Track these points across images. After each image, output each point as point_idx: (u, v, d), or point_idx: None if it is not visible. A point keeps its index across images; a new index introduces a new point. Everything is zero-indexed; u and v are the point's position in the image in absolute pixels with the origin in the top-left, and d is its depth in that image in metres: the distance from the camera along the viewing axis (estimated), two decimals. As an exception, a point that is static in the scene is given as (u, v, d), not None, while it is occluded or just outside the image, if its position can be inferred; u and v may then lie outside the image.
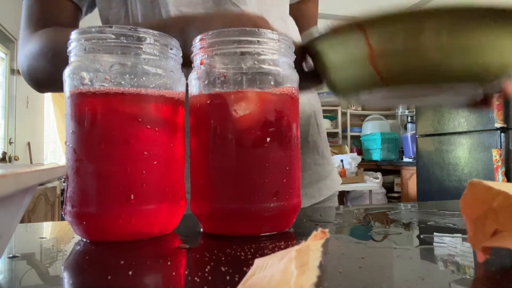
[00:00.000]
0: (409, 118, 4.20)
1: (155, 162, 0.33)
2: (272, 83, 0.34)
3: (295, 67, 0.41)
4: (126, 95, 0.33)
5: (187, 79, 0.37)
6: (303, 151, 0.57)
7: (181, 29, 0.42)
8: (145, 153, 0.33)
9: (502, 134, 2.53)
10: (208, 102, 0.35)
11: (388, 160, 3.98)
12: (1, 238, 0.23)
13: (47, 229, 0.44)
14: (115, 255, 0.29)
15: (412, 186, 3.52)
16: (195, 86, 0.36)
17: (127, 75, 0.33)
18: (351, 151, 4.13)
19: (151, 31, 0.34)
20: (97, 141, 0.32)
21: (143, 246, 0.32)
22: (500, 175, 2.47)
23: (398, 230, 0.37)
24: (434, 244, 0.32)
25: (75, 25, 0.60)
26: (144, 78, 0.33)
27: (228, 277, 0.23)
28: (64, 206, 0.35)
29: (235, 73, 0.34)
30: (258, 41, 0.34)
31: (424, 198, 3.19)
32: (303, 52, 0.44)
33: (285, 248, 0.30)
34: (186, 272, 0.26)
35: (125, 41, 0.33)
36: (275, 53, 0.35)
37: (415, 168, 3.33)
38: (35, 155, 3.76)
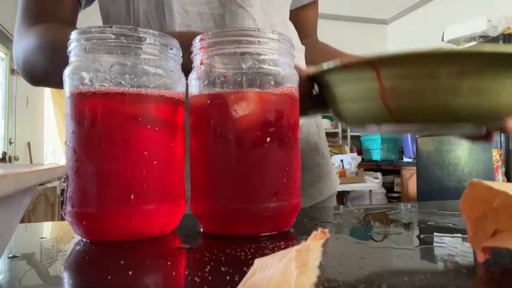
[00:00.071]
0: (409, 118, 4.19)
1: (155, 162, 0.33)
2: (272, 83, 0.34)
3: (303, 94, 0.42)
4: (126, 95, 0.33)
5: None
6: (303, 151, 0.57)
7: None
8: (145, 153, 0.33)
9: (502, 134, 2.52)
10: (208, 102, 0.35)
11: (388, 160, 3.98)
12: (1, 238, 0.23)
13: (47, 229, 0.44)
14: (115, 255, 0.29)
15: (412, 186, 3.52)
16: (195, 86, 0.36)
17: (127, 75, 0.33)
18: (351, 151, 4.13)
19: (151, 31, 0.34)
20: (97, 141, 0.32)
21: (143, 246, 0.32)
22: (500, 175, 2.47)
23: (398, 230, 0.37)
24: (434, 244, 0.32)
25: (73, 19, 0.60)
26: (144, 78, 0.33)
27: (228, 277, 0.23)
28: (64, 206, 0.35)
29: (235, 73, 0.34)
30: (258, 41, 0.34)
31: (424, 198, 3.19)
32: (311, 81, 0.44)
33: (285, 248, 0.30)
34: (186, 272, 0.26)
35: (125, 41, 0.33)
36: (275, 53, 0.35)
37: (415, 168, 3.33)
38: (35, 155, 3.76)
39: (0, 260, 0.28)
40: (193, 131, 0.37)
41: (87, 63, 0.33)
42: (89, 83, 0.33)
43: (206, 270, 0.24)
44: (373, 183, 3.56)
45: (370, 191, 3.58)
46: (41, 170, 0.24)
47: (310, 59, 0.72)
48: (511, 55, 0.32)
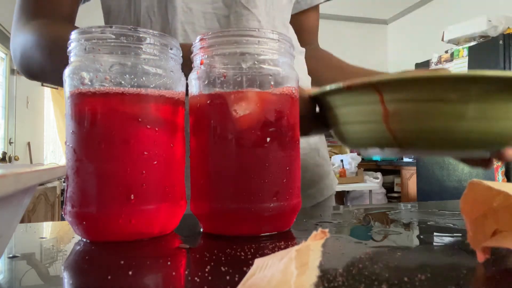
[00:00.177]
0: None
1: (155, 162, 0.33)
2: (272, 83, 0.34)
3: (305, 115, 0.41)
4: (126, 95, 0.33)
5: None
6: (303, 152, 0.57)
7: None
8: (145, 153, 0.33)
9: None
10: (208, 102, 0.35)
11: (388, 160, 3.98)
12: (1, 238, 0.23)
13: (47, 229, 0.44)
14: (115, 255, 0.29)
15: (412, 186, 3.52)
16: (195, 86, 0.36)
17: (127, 75, 0.33)
18: (351, 151, 4.12)
19: (151, 31, 0.34)
20: (97, 141, 0.32)
21: (143, 246, 0.32)
22: (500, 175, 2.47)
23: (398, 230, 0.37)
24: (434, 244, 0.32)
25: (73, 14, 0.59)
26: (144, 78, 0.33)
27: (228, 277, 0.23)
28: (64, 206, 0.35)
29: (235, 73, 0.34)
30: (258, 41, 0.34)
31: (424, 198, 3.19)
32: (313, 101, 0.44)
33: (285, 248, 0.30)
34: (186, 272, 0.26)
35: (125, 41, 0.33)
36: (275, 53, 0.35)
37: (415, 168, 3.33)
38: (35, 155, 3.76)
39: (0, 260, 0.28)
40: (193, 131, 0.37)
41: (87, 63, 0.33)
42: (89, 83, 0.33)
43: (206, 270, 0.24)
44: (373, 183, 3.56)
45: (370, 191, 3.58)
46: (41, 170, 0.24)
47: (311, 67, 0.72)
48: None
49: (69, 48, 0.35)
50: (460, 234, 0.35)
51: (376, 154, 0.42)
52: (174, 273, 0.26)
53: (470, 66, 2.96)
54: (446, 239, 0.34)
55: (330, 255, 0.27)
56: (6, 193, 0.19)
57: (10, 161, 3.28)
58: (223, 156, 0.34)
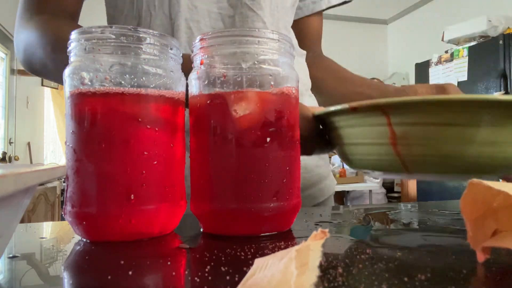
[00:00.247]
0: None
1: (155, 162, 0.33)
2: (272, 83, 0.34)
3: (309, 135, 0.41)
4: (126, 95, 0.33)
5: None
6: None
7: None
8: (145, 153, 0.33)
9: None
10: (208, 102, 0.35)
11: (388, 160, 3.97)
12: (1, 238, 0.23)
13: (47, 229, 0.44)
14: (115, 255, 0.29)
15: (412, 186, 3.52)
16: (195, 86, 0.36)
17: (127, 75, 0.33)
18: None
19: (151, 31, 0.34)
20: (97, 141, 0.32)
21: (143, 246, 0.32)
22: (500, 175, 2.47)
23: (398, 230, 0.37)
24: (434, 244, 0.32)
25: (77, 9, 0.59)
26: (144, 78, 0.33)
27: (228, 277, 0.23)
28: (64, 206, 0.35)
29: (235, 73, 0.34)
30: (258, 41, 0.34)
31: (424, 198, 3.19)
32: (317, 121, 0.43)
33: (285, 248, 0.30)
34: (186, 272, 0.26)
35: (125, 41, 0.33)
36: (275, 53, 0.35)
37: (415, 168, 3.32)
38: (35, 155, 3.76)
39: (0, 260, 0.28)
40: (193, 131, 0.37)
41: (87, 63, 0.33)
42: (89, 83, 0.33)
43: (206, 270, 0.24)
44: (373, 183, 3.56)
45: (370, 191, 3.58)
46: (41, 170, 0.24)
47: (315, 76, 0.72)
48: None
49: (69, 48, 0.35)
50: (460, 234, 0.35)
51: (382, 177, 0.41)
52: (174, 273, 0.26)
53: (470, 66, 2.96)
54: (446, 239, 0.34)
55: (330, 255, 0.27)
56: (6, 193, 0.19)
57: (10, 161, 3.28)
58: (223, 156, 0.34)
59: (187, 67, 0.37)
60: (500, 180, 0.38)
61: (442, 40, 3.26)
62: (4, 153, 3.17)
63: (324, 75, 0.72)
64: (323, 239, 0.18)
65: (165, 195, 0.34)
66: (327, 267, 0.24)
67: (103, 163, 0.32)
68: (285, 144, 0.35)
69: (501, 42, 2.74)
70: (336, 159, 3.55)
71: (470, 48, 2.98)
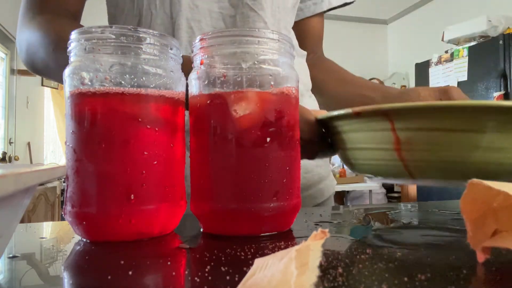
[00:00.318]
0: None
1: (155, 162, 0.33)
2: (272, 83, 0.34)
3: (311, 139, 0.41)
4: (126, 95, 0.33)
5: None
6: None
7: None
8: (145, 153, 0.33)
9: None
10: (208, 102, 0.35)
11: (388, 160, 3.97)
12: (1, 238, 0.23)
13: (47, 229, 0.44)
14: (115, 255, 0.29)
15: (412, 186, 3.51)
16: (195, 86, 0.36)
17: (127, 75, 0.33)
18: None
19: (151, 31, 0.34)
20: (97, 141, 0.32)
21: (143, 246, 0.32)
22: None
23: (398, 230, 0.37)
24: (434, 244, 0.32)
25: (79, 8, 0.59)
26: (144, 78, 0.33)
27: (228, 277, 0.23)
28: (64, 206, 0.35)
29: (235, 73, 0.34)
30: (258, 41, 0.34)
31: (424, 198, 3.19)
32: (320, 125, 0.43)
33: (285, 248, 0.30)
34: (186, 272, 0.26)
35: (125, 41, 0.33)
36: (275, 53, 0.35)
37: (415, 168, 3.32)
38: (35, 155, 3.76)
39: (0, 260, 0.28)
40: (193, 131, 0.37)
41: (87, 63, 0.33)
42: (89, 83, 0.33)
43: (206, 270, 0.24)
44: (373, 183, 3.56)
45: (370, 191, 3.58)
46: (41, 170, 0.24)
47: (316, 77, 0.72)
48: None
49: (69, 48, 0.35)
50: (460, 234, 0.35)
51: (384, 182, 0.41)
52: (174, 273, 0.26)
53: (470, 66, 2.96)
54: (446, 239, 0.34)
55: (330, 255, 0.27)
56: (6, 193, 0.19)
57: (10, 161, 3.28)
58: (223, 156, 0.34)
59: (187, 68, 0.37)
60: None
61: (442, 40, 3.26)
62: (4, 153, 3.17)
63: (325, 77, 0.72)
64: (323, 239, 0.18)
65: (165, 195, 0.34)
66: (327, 267, 0.24)
67: (103, 163, 0.32)
68: (285, 144, 0.35)
69: (501, 42, 2.74)
70: (336, 159, 3.55)
71: (470, 48, 2.98)
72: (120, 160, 0.32)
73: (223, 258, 0.27)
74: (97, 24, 0.34)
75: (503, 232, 0.24)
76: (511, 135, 0.31)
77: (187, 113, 0.38)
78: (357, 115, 0.36)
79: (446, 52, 3.20)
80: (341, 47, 4.01)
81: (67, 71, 0.34)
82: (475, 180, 0.24)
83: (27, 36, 0.55)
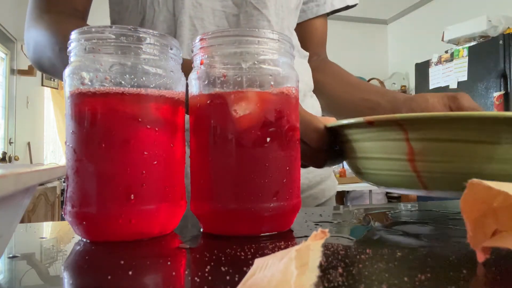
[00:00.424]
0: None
1: (155, 162, 0.33)
2: (272, 83, 0.34)
3: (321, 147, 0.40)
4: (126, 95, 0.33)
5: None
6: None
7: None
8: (145, 153, 0.33)
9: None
10: (208, 102, 0.35)
11: (388, 160, 3.97)
12: (1, 238, 0.23)
13: (47, 229, 0.44)
14: (115, 255, 0.29)
15: (412, 186, 3.51)
16: (195, 86, 0.36)
17: (127, 75, 0.33)
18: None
19: (151, 31, 0.34)
20: (97, 141, 0.32)
21: (143, 246, 0.32)
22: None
23: (398, 230, 0.37)
24: (434, 244, 0.32)
25: (86, 7, 0.59)
26: (144, 78, 0.33)
27: (228, 277, 0.23)
28: (64, 206, 0.35)
29: (235, 73, 0.34)
30: (258, 41, 0.34)
31: (424, 198, 3.18)
32: (330, 133, 0.43)
33: (285, 248, 0.30)
34: (186, 272, 0.26)
35: (125, 41, 0.33)
36: (275, 53, 0.35)
37: (415, 168, 3.32)
38: (35, 155, 3.76)
39: (0, 260, 0.28)
40: (193, 131, 0.37)
41: (87, 63, 0.33)
42: (89, 83, 0.33)
43: (206, 270, 0.24)
44: (373, 183, 3.56)
45: (370, 191, 3.58)
46: (41, 170, 0.24)
47: (320, 80, 0.72)
48: None
49: (69, 48, 0.35)
50: (460, 234, 0.35)
51: (395, 192, 0.40)
52: (174, 273, 0.26)
53: (470, 66, 2.96)
54: (446, 239, 0.34)
55: (330, 255, 0.27)
56: (6, 193, 0.19)
57: (10, 161, 3.28)
58: (223, 156, 0.34)
59: (187, 72, 0.37)
60: None
61: (442, 40, 3.26)
62: (4, 153, 3.17)
63: (329, 80, 0.72)
64: (323, 239, 0.18)
65: (165, 195, 0.34)
66: (327, 267, 0.24)
67: (103, 163, 0.32)
68: (285, 144, 0.35)
69: (501, 42, 2.74)
70: (336, 159, 3.54)
71: (470, 48, 2.98)
72: (120, 160, 0.32)
73: (223, 258, 0.27)
74: (98, 24, 0.34)
75: (503, 232, 0.24)
76: None
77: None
78: (369, 124, 0.35)
79: (446, 52, 3.20)
80: (341, 47, 4.01)
81: (67, 71, 0.34)
82: (475, 180, 0.24)
83: (35, 35, 0.56)
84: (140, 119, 0.33)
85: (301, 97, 0.65)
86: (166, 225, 0.35)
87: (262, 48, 0.34)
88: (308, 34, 0.76)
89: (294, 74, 0.37)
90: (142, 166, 0.33)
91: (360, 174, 0.41)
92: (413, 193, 0.38)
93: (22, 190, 0.22)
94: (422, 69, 3.44)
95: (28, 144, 3.69)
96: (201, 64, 0.35)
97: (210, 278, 0.23)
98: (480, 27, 2.91)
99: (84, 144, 0.33)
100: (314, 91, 0.71)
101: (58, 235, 0.40)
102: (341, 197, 3.75)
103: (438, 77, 3.24)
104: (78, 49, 0.34)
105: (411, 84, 4.34)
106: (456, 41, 3.16)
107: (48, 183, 2.78)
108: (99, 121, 0.32)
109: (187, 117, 0.38)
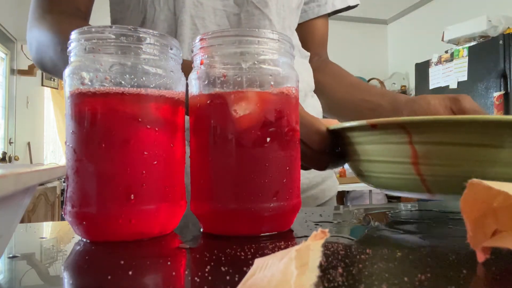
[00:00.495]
0: (409, 118, 4.19)
1: (155, 162, 0.33)
2: (272, 83, 0.34)
3: (323, 149, 0.40)
4: (126, 95, 0.33)
5: None
6: None
7: None
8: (145, 153, 0.33)
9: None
10: (208, 102, 0.35)
11: (388, 160, 3.97)
12: (1, 238, 0.23)
13: (47, 229, 0.44)
14: (115, 255, 0.29)
15: (412, 186, 3.51)
16: (195, 86, 0.36)
17: (127, 75, 0.33)
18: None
19: (151, 31, 0.34)
20: (97, 141, 0.32)
21: (143, 246, 0.32)
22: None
23: (398, 230, 0.37)
24: (434, 244, 0.32)
25: (88, 6, 0.60)
26: (144, 78, 0.33)
27: (228, 277, 0.23)
28: (64, 206, 0.35)
29: (235, 73, 0.34)
30: (258, 41, 0.34)
31: (424, 199, 3.18)
32: (332, 135, 0.42)
33: (285, 248, 0.30)
34: (186, 272, 0.26)
35: (125, 41, 0.33)
36: (275, 53, 0.35)
37: (415, 168, 3.32)
38: (35, 155, 3.76)
39: (0, 260, 0.28)
40: (193, 131, 0.37)
41: (87, 63, 0.33)
42: (89, 83, 0.33)
43: (206, 270, 0.24)
44: (373, 183, 3.56)
45: (370, 191, 3.58)
46: (41, 170, 0.24)
47: (321, 81, 0.72)
48: None
49: (69, 48, 0.35)
50: (460, 234, 0.35)
51: (398, 195, 0.40)
52: (174, 273, 0.26)
53: (470, 66, 2.96)
54: (446, 239, 0.34)
55: (330, 255, 0.27)
56: (6, 193, 0.19)
57: (10, 161, 3.28)
58: (223, 156, 0.34)
59: (186, 73, 0.37)
60: None
61: (442, 40, 3.26)
62: (4, 153, 3.17)
63: (330, 81, 0.72)
64: (323, 239, 0.18)
65: (165, 195, 0.34)
66: (327, 267, 0.24)
67: (103, 163, 0.32)
68: (285, 144, 0.35)
69: (501, 42, 2.74)
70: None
71: (470, 48, 2.98)
72: (120, 160, 0.32)
73: (223, 258, 0.27)
74: (99, 23, 0.34)
75: (503, 232, 0.24)
76: None
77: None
78: (372, 127, 0.35)
79: (446, 52, 3.20)
80: (341, 47, 4.01)
81: (67, 71, 0.34)
82: (475, 180, 0.24)
83: (37, 35, 0.56)
84: (140, 119, 0.33)
85: (302, 97, 0.65)
86: (166, 225, 0.35)
87: (262, 48, 0.34)
88: (309, 35, 0.76)
89: (294, 74, 0.37)
90: (142, 166, 0.33)
91: (363, 177, 0.40)
92: (416, 196, 0.38)
93: (22, 190, 0.22)
94: (422, 69, 3.44)
95: (28, 144, 3.69)
96: (201, 64, 0.35)
97: (210, 278, 0.23)
98: (480, 27, 2.91)
99: (84, 144, 0.33)
100: (314, 92, 0.71)
101: (58, 235, 0.40)
102: (341, 197, 3.75)
103: (438, 77, 3.24)
104: (78, 49, 0.34)
105: (411, 84, 4.34)
106: (456, 41, 3.16)
107: (48, 183, 2.78)
108: (99, 121, 0.32)
109: (187, 117, 0.38)
